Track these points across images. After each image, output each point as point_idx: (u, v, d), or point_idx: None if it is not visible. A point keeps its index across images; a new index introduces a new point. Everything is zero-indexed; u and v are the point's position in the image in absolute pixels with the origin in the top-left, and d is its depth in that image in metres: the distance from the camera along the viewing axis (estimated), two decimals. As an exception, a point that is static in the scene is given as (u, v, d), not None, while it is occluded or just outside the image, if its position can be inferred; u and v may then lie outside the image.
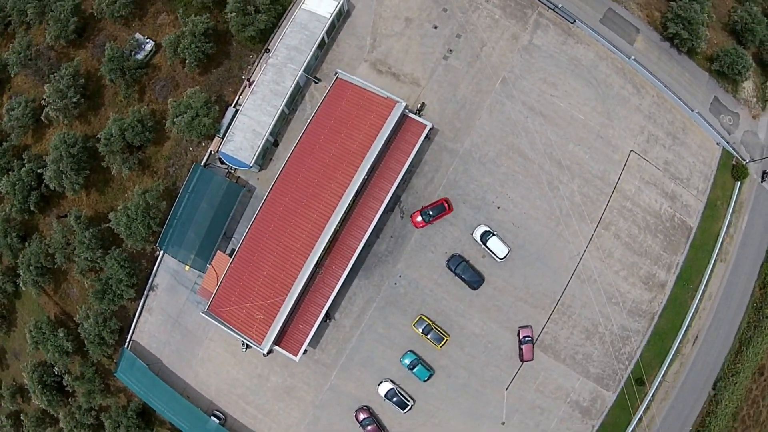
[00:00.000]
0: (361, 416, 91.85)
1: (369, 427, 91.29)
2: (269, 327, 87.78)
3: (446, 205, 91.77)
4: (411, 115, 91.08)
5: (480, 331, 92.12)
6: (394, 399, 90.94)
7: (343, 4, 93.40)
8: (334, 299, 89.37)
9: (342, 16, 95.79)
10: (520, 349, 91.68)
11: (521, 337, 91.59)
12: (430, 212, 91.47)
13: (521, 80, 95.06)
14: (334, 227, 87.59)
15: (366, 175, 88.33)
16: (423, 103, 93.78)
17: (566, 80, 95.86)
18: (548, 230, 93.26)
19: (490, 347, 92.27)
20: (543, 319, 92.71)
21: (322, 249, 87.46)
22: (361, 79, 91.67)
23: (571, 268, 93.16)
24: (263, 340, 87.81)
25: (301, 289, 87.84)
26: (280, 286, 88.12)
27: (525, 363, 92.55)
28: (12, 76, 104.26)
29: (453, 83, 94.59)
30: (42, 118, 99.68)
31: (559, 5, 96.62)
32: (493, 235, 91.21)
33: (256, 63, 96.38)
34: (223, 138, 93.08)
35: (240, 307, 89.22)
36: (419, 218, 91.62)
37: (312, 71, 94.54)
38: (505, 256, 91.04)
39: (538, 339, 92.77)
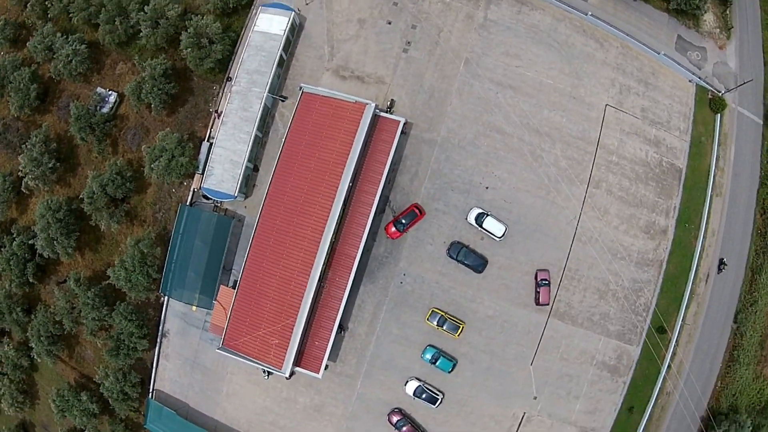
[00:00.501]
0: (395, 419, 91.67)
1: (404, 429, 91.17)
2: (286, 350, 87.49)
3: (417, 210, 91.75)
4: (382, 114, 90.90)
5: (493, 313, 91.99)
6: (423, 395, 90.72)
7: (294, 18, 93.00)
8: (344, 310, 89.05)
9: (295, 30, 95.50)
10: (537, 293, 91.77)
11: (538, 279, 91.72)
12: (403, 221, 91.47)
13: (484, 58, 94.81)
14: (330, 239, 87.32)
15: (350, 182, 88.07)
16: (392, 99, 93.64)
17: (528, 49, 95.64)
18: (540, 200, 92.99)
19: (507, 326, 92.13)
20: (553, 288, 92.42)
21: (322, 263, 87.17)
22: (326, 88, 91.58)
23: (570, 233, 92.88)
24: (283, 364, 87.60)
25: (310, 307, 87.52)
26: (288, 307, 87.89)
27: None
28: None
29: (417, 74, 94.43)
30: (22, 189, 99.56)
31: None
32: (488, 215, 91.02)
33: (220, 93, 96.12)
34: (203, 174, 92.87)
35: (253, 336, 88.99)
36: (393, 229, 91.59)
37: (277, 90, 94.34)
38: (503, 234, 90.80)
39: (553, 308, 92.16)
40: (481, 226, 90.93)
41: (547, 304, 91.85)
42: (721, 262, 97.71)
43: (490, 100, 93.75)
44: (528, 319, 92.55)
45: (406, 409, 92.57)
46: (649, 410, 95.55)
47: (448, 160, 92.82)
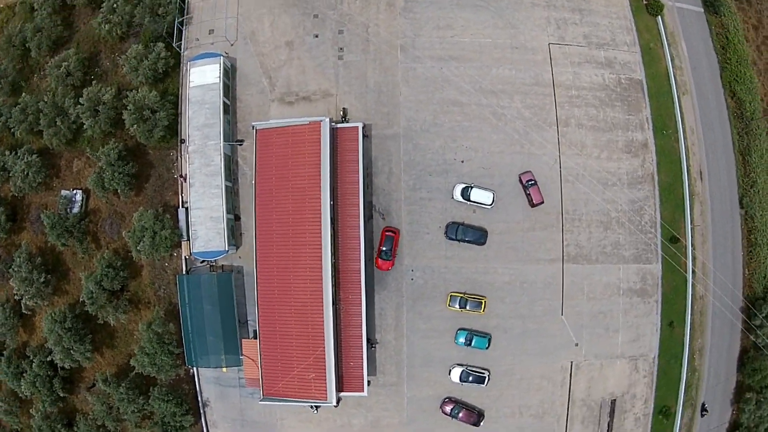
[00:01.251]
0: (448, 408, 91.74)
1: (460, 414, 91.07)
2: (325, 380, 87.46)
3: (390, 232, 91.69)
4: (339, 125, 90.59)
5: (509, 278, 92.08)
6: (470, 378, 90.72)
7: (224, 62, 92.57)
8: (366, 323, 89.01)
9: (230, 73, 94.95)
10: (528, 195, 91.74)
11: (524, 182, 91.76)
12: (384, 249, 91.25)
13: (418, 39, 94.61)
14: (330, 261, 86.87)
15: (331, 200, 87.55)
16: (344, 108, 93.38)
17: (457, 16, 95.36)
18: (517, 155, 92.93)
19: (526, 286, 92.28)
20: (558, 235, 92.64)
21: (330, 287, 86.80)
22: (277, 119, 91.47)
23: (556, 177, 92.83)
24: (326, 394, 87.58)
25: (333, 332, 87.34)
26: (313, 339, 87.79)
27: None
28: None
29: (360, 76, 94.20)
30: (24, 311, 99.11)
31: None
32: (472, 187, 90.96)
33: (178, 158, 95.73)
34: (189, 239, 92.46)
35: (290, 377, 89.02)
36: (383, 260, 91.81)
37: (231, 137, 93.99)
38: (492, 201, 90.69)
39: (565, 253, 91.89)
40: (469, 200, 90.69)
41: (542, 202, 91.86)
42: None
43: (437, 77, 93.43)
44: (544, 273, 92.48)
45: (457, 395, 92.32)
46: (689, 319, 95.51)
47: (416, 147, 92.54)
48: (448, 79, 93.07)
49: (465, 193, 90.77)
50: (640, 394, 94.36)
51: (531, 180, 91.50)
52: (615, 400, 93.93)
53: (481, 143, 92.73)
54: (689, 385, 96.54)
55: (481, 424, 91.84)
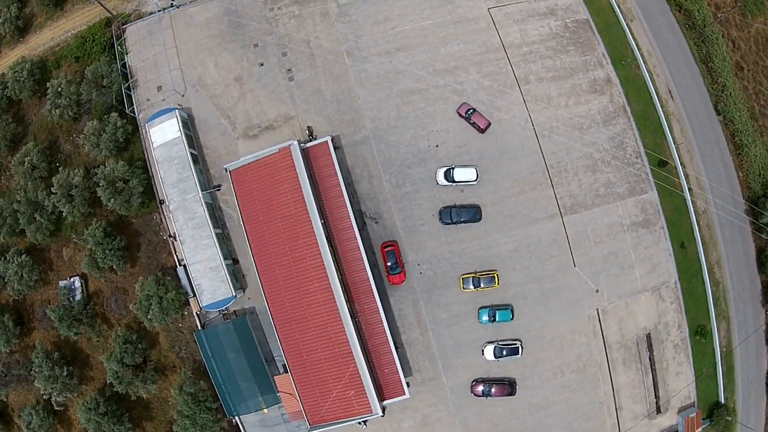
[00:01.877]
0: (479, 389, 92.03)
1: (493, 391, 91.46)
2: (366, 394, 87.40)
3: (389, 246, 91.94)
4: (308, 144, 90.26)
5: (514, 245, 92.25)
6: (504, 352, 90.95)
7: (179, 115, 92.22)
8: (389, 327, 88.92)
9: (188, 124, 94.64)
10: (473, 124, 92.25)
11: (465, 114, 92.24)
12: (390, 264, 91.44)
13: (360, 40, 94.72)
14: (338, 279, 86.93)
15: (321, 219, 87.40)
16: (308, 126, 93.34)
17: (393, 6, 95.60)
18: (491, 130, 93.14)
19: (533, 248, 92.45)
20: (549, 191, 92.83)
21: (345, 303, 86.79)
22: (246, 155, 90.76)
23: (532, 136, 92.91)
24: (371, 407, 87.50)
25: (360, 346, 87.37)
26: (342, 358, 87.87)
27: (487, 131, 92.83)
28: (4, 400, 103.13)
29: (315, 91, 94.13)
30: (56, 408, 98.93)
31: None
32: (453, 168, 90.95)
33: (163, 219, 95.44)
34: (195, 295, 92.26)
35: (331, 400, 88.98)
36: (392, 276, 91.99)
37: (208, 185, 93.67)
38: (477, 176, 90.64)
39: (561, 206, 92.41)
40: (454, 181, 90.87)
41: (490, 124, 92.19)
42: None
43: (390, 72, 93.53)
44: (547, 231, 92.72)
45: (495, 372, 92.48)
46: (698, 236, 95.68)
47: (389, 145, 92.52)
48: (401, 71, 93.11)
49: (448, 176, 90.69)
50: (672, 321, 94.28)
51: (469, 109, 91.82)
52: (649, 333, 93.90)
53: (450, 123, 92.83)
54: (716, 299, 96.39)
55: (517, 391, 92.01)
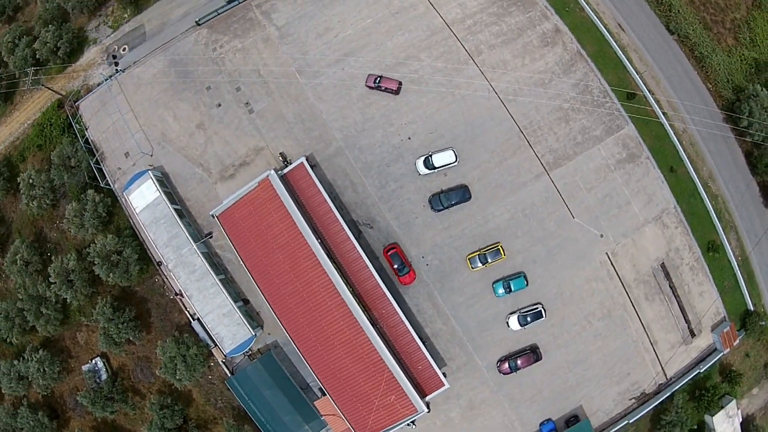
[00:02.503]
0: (505, 366, 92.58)
1: (519, 363, 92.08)
2: (406, 395, 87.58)
3: (391, 249, 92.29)
4: (285, 170, 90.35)
5: (510, 214, 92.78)
6: (528, 319, 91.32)
7: (153, 175, 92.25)
8: (411, 325, 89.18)
9: (164, 181, 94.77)
10: (386, 89, 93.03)
11: (373, 84, 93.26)
12: (397, 266, 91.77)
13: (308, 56, 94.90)
14: (349, 293, 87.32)
15: (318, 239, 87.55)
16: (281, 153, 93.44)
17: (330, 15, 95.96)
18: (453, 105, 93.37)
19: (528, 212, 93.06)
20: (528, 151, 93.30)
21: (363, 313, 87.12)
22: (228, 197, 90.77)
23: (498, 103, 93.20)
24: (415, 407, 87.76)
25: (389, 350, 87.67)
26: (374, 367, 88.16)
27: (400, 95, 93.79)
28: None
29: (277, 117, 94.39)
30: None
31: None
32: (431, 155, 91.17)
33: (165, 279, 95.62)
34: (216, 345, 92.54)
35: (375, 410, 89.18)
36: (402, 277, 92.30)
37: (199, 235, 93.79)
38: (456, 157, 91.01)
39: (544, 163, 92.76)
40: (434, 168, 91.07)
41: (401, 83, 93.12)
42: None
43: (344, 79, 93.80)
44: (537, 191, 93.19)
45: (524, 340, 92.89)
46: (684, 156, 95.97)
47: (362, 149, 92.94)
48: (355, 75, 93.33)
49: (428, 163, 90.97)
50: (681, 245, 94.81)
51: (376, 78, 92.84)
52: (663, 263, 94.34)
53: (416, 112, 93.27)
54: (719, 212, 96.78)
55: (545, 353, 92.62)
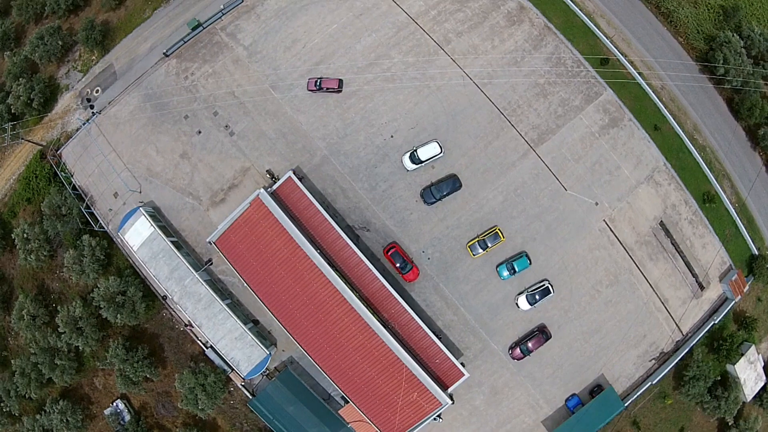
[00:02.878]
0: (518, 352, 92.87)
1: (530, 345, 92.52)
2: (428, 390, 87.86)
3: (391, 248, 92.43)
4: (274, 186, 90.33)
5: (503, 196, 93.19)
6: (537, 297, 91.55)
7: (145, 211, 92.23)
8: (424, 321, 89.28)
9: (157, 215, 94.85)
10: (328, 89, 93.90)
11: (315, 87, 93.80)
12: (399, 264, 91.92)
13: (279, 70, 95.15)
14: (356, 298, 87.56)
15: (317, 249, 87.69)
16: (267, 170, 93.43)
17: (296, 28, 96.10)
18: (431, 98, 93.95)
19: (521, 191, 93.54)
20: (511, 131, 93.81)
21: (372, 316, 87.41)
22: (222, 222, 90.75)
23: (475, 89, 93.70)
24: (438, 401, 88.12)
25: (404, 348, 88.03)
26: (392, 366, 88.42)
27: (340, 90, 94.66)
28: None
29: (259, 135, 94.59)
30: None
31: (222, 7, 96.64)
32: (415, 150, 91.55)
33: (172, 313, 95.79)
34: (233, 369, 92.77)
35: (399, 410, 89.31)
36: (406, 274, 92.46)
37: (199, 264, 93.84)
38: (441, 149, 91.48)
39: (529, 140, 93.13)
40: (421, 162, 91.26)
41: (341, 80, 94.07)
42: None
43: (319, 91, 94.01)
44: (526, 169, 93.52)
45: (537, 319, 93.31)
46: (666, 113, 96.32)
47: (347, 155, 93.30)
48: (329, 84, 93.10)
49: (414, 158, 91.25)
50: (677, 201, 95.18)
51: (316, 81, 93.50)
52: (661, 221, 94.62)
53: (395, 110, 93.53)
54: (709, 162, 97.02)
55: (552, 334, 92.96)
